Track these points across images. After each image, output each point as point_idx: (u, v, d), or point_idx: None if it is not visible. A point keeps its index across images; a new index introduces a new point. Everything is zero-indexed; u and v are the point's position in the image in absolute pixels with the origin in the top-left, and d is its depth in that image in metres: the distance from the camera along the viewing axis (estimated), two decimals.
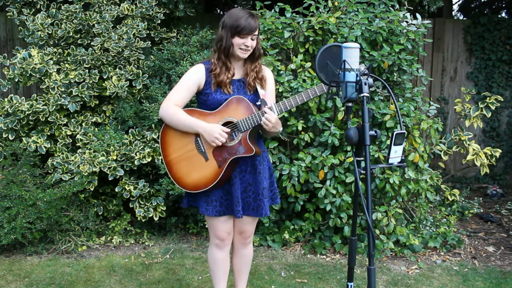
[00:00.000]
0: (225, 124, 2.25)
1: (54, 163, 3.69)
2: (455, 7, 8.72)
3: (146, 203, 3.68)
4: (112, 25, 3.89)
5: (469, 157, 3.94)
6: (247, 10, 2.29)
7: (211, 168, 2.26)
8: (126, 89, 3.75)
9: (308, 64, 3.54)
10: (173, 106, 2.27)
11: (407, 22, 3.61)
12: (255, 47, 2.28)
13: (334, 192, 3.41)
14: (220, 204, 2.34)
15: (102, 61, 3.83)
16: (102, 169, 3.53)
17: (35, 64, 3.73)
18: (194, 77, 2.30)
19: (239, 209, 2.30)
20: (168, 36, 4.28)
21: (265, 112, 2.17)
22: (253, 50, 2.28)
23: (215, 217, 2.36)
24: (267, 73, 2.40)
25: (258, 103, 2.26)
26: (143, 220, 3.70)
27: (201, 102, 2.34)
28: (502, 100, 4.37)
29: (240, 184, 2.33)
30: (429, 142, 3.79)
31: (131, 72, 3.81)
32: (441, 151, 3.82)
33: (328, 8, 3.71)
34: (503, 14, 7.45)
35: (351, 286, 2.10)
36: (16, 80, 3.80)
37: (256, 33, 2.23)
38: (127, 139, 3.68)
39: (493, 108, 4.12)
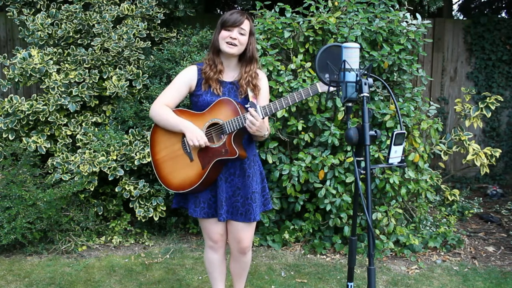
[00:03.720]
0: (211, 125, 2.25)
1: (54, 163, 3.69)
2: (455, 7, 8.72)
3: (146, 203, 3.68)
4: (112, 25, 3.89)
5: (469, 157, 3.94)
6: (239, 10, 2.30)
7: (195, 169, 2.26)
8: (126, 89, 3.75)
9: (308, 64, 3.54)
10: (162, 106, 2.28)
11: (407, 22, 3.61)
12: (247, 47, 2.26)
13: (334, 192, 3.41)
14: (208, 206, 2.33)
15: (102, 61, 3.83)
16: (102, 169, 3.53)
17: (35, 64, 3.73)
18: (185, 78, 2.31)
19: (221, 212, 2.29)
20: (168, 36, 4.28)
21: (249, 115, 2.15)
22: (244, 51, 2.27)
23: (205, 219, 2.36)
24: (263, 81, 2.36)
25: (247, 105, 2.24)
26: (143, 220, 3.70)
27: (193, 103, 2.34)
28: (502, 100, 4.37)
29: (228, 187, 2.31)
30: (429, 142, 3.79)
31: (131, 72, 3.81)
32: (441, 151, 3.82)
33: (328, 8, 3.71)
34: (503, 14, 7.45)
35: (351, 286, 2.10)
36: (16, 80, 3.80)
37: (244, 28, 2.21)
38: (127, 139, 3.68)
39: (493, 108, 4.12)
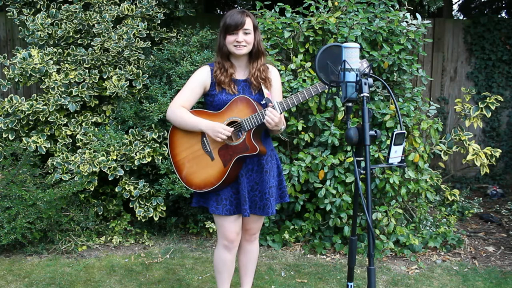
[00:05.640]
0: (229, 124, 2.27)
1: (54, 163, 3.69)
2: (455, 7, 8.73)
3: (146, 203, 3.68)
4: (112, 25, 3.89)
5: (469, 157, 3.94)
6: (240, 9, 2.30)
7: (217, 168, 2.28)
8: (126, 89, 3.75)
9: (308, 64, 3.54)
10: (178, 108, 2.31)
11: (407, 22, 3.61)
12: (253, 43, 2.28)
13: (334, 192, 3.41)
14: (230, 203, 2.35)
15: (102, 61, 3.83)
16: (102, 169, 3.53)
17: (35, 64, 3.73)
18: (199, 79, 2.33)
19: (246, 208, 2.31)
20: (168, 36, 4.28)
21: (268, 111, 2.18)
22: (251, 47, 2.28)
23: (225, 217, 2.36)
24: (273, 73, 2.40)
25: (263, 102, 2.27)
26: (143, 220, 3.70)
27: (208, 103, 2.37)
28: (502, 100, 4.37)
29: (247, 183, 2.34)
30: (429, 142, 3.79)
31: (131, 72, 3.81)
32: (441, 151, 3.82)
33: (328, 8, 3.71)
34: (503, 14, 7.45)
35: (351, 286, 2.10)
36: (16, 80, 3.80)
37: (247, 27, 2.23)
38: (127, 139, 3.68)
39: (493, 108, 4.11)
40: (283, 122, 2.31)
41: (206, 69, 2.34)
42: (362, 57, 3.48)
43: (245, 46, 2.25)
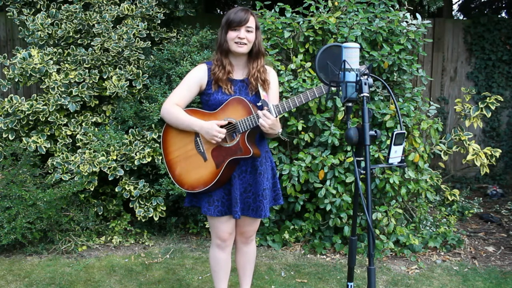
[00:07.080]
0: (224, 125, 2.25)
1: (54, 163, 3.69)
2: (455, 7, 8.73)
3: (146, 203, 3.69)
4: (112, 25, 3.89)
5: (469, 157, 3.94)
6: (242, 7, 2.30)
7: (210, 168, 2.26)
8: (126, 89, 3.75)
9: (308, 64, 3.54)
10: (173, 106, 2.28)
11: (407, 22, 3.61)
12: (254, 43, 2.26)
13: (334, 192, 3.41)
14: (222, 204, 2.34)
15: (102, 61, 3.83)
16: (102, 169, 3.53)
17: (35, 64, 3.73)
18: (195, 77, 2.31)
19: (236, 210, 2.30)
20: (168, 36, 4.28)
21: (262, 114, 2.16)
22: (251, 46, 2.27)
23: (217, 217, 2.36)
24: (271, 76, 2.38)
25: (259, 104, 2.25)
26: (143, 220, 3.70)
27: (204, 102, 2.35)
28: (502, 100, 4.37)
29: (240, 184, 2.32)
30: (429, 142, 3.79)
31: (131, 72, 3.81)
32: (441, 151, 3.82)
33: (328, 8, 3.71)
34: (503, 14, 7.45)
35: (351, 286, 2.10)
36: (16, 80, 3.80)
37: (250, 25, 2.22)
38: (127, 139, 3.68)
39: (493, 108, 4.12)
40: (279, 125, 2.28)
41: (203, 68, 2.31)
42: (362, 57, 3.48)
43: (245, 44, 2.23)
